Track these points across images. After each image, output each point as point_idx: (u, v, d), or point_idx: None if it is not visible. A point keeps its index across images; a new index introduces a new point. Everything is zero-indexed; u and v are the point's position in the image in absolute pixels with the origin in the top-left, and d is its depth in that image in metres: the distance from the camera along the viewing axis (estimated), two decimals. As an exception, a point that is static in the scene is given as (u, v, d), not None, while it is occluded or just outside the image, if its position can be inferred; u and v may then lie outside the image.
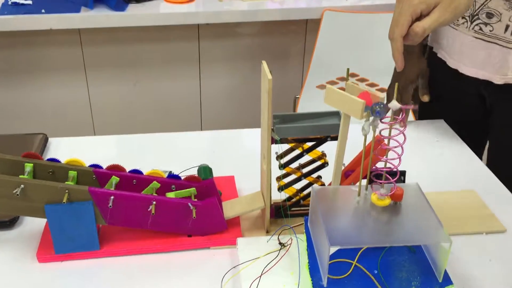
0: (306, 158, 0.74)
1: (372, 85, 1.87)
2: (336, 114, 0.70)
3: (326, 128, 0.70)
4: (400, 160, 0.63)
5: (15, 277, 0.68)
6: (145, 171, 0.76)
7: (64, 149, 0.98)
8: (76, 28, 1.77)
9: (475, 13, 0.93)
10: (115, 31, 1.80)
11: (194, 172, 0.85)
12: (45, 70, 1.88)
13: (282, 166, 0.73)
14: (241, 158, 0.95)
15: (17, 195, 0.63)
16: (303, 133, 0.70)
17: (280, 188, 0.74)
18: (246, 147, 1.00)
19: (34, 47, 1.83)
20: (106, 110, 2.00)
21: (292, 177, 0.75)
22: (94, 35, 1.82)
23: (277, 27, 1.96)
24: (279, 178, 0.75)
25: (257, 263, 0.68)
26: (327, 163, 0.73)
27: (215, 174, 0.85)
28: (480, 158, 1.02)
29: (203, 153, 0.97)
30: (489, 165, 0.98)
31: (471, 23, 0.94)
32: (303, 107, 1.82)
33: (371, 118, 0.61)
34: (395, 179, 0.64)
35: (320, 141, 0.72)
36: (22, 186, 0.64)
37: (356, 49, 1.83)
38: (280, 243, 0.71)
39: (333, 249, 0.60)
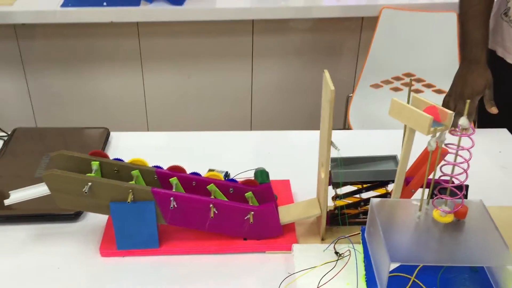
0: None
1: (428, 85, 1.82)
2: (393, 159, 0.71)
3: (383, 174, 0.71)
4: (467, 175, 0.61)
5: (78, 269, 0.71)
6: (202, 170, 0.78)
7: (125, 143, 1.01)
8: (135, 21, 1.81)
9: None
10: (172, 25, 1.83)
11: (250, 174, 0.86)
12: (103, 61, 1.94)
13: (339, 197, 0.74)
14: (296, 160, 0.95)
15: (86, 192, 0.66)
16: (359, 178, 0.72)
17: (337, 209, 0.75)
18: (301, 149, 1.00)
19: (94, 39, 1.88)
20: (160, 101, 2.04)
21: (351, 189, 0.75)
22: (151, 28, 1.86)
23: (332, 23, 1.93)
24: (335, 198, 0.75)
25: (313, 273, 0.68)
26: (389, 194, 0.72)
27: (270, 176, 0.86)
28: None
29: (257, 154, 0.98)
30: None
31: None
32: (355, 106, 1.80)
33: (438, 134, 0.60)
34: (462, 193, 0.62)
35: (381, 183, 0.72)
36: (90, 184, 0.67)
37: (413, 48, 1.78)
38: (336, 253, 0.71)
39: (393, 265, 0.60)
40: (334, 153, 0.69)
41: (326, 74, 0.66)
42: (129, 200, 0.67)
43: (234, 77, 2.02)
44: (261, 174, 0.80)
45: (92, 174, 0.68)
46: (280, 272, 0.71)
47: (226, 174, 0.90)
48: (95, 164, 0.71)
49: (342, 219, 0.76)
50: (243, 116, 2.12)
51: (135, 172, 0.72)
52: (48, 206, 0.75)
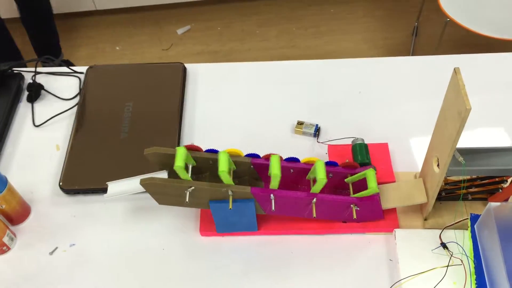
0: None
1: None
2: None
3: (507, 171, 0.61)
4: None
5: (180, 246, 0.74)
6: (290, 118, 0.78)
7: (203, 78, 0.95)
8: None
9: None
10: None
11: (346, 142, 0.80)
12: None
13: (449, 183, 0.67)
14: (393, 105, 0.87)
15: (187, 202, 0.65)
16: (478, 174, 0.65)
17: (444, 191, 0.69)
18: (399, 82, 0.90)
19: None
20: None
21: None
22: None
23: None
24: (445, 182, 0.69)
25: (417, 264, 0.67)
26: (506, 181, 0.65)
27: (364, 127, 0.80)
28: None
29: (347, 92, 0.90)
30: None
31: None
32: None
33: None
34: None
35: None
36: (189, 189, 0.65)
37: None
38: (442, 244, 0.68)
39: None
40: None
41: (458, 74, 0.55)
42: (230, 206, 0.65)
43: None
44: (360, 149, 0.74)
45: (190, 178, 0.65)
46: (382, 257, 0.71)
47: (316, 128, 0.84)
48: (190, 161, 0.67)
49: (448, 197, 0.72)
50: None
51: (231, 166, 0.68)
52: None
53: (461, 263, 0.66)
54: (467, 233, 0.69)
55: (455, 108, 0.56)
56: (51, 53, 1.93)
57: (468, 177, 0.68)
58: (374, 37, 2.14)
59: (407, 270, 0.67)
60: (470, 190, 0.71)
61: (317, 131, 0.84)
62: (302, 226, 0.73)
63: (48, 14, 1.86)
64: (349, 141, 0.80)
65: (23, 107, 0.93)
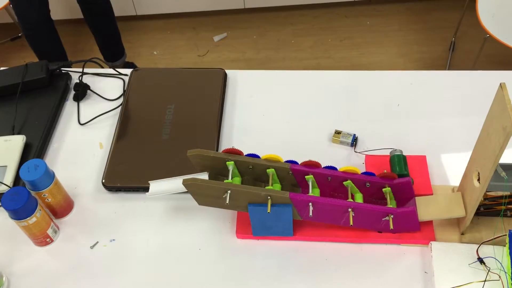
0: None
1: None
2: None
3: None
4: None
5: (217, 247, 0.75)
6: (327, 127, 0.79)
7: (242, 85, 0.97)
8: None
9: None
10: None
11: (384, 152, 0.81)
12: None
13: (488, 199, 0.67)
14: (433, 120, 0.87)
15: (227, 204, 0.66)
16: None
17: (482, 207, 0.69)
18: (439, 97, 0.90)
19: None
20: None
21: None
22: None
23: None
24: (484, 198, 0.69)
25: (453, 277, 0.67)
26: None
27: (401, 138, 0.80)
28: None
29: (387, 105, 0.90)
30: None
31: None
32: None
33: None
34: None
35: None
36: (229, 191, 0.66)
37: None
38: (479, 260, 0.68)
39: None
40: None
41: (504, 89, 0.55)
42: (268, 210, 0.66)
43: None
44: (399, 160, 0.75)
45: (231, 181, 0.67)
46: (416, 270, 0.71)
47: (354, 138, 0.84)
48: (230, 164, 0.69)
49: (486, 212, 0.72)
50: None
51: (270, 171, 0.70)
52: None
53: (498, 278, 0.66)
54: (506, 250, 0.68)
55: (499, 123, 0.56)
56: (114, 53, 1.99)
57: (509, 193, 0.68)
58: (409, 51, 2.13)
59: (442, 283, 0.67)
60: (510, 206, 0.70)
61: (354, 141, 0.84)
62: (337, 233, 0.73)
63: (109, 15, 1.91)
64: (386, 152, 0.81)
65: (70, 105, 0.96)
